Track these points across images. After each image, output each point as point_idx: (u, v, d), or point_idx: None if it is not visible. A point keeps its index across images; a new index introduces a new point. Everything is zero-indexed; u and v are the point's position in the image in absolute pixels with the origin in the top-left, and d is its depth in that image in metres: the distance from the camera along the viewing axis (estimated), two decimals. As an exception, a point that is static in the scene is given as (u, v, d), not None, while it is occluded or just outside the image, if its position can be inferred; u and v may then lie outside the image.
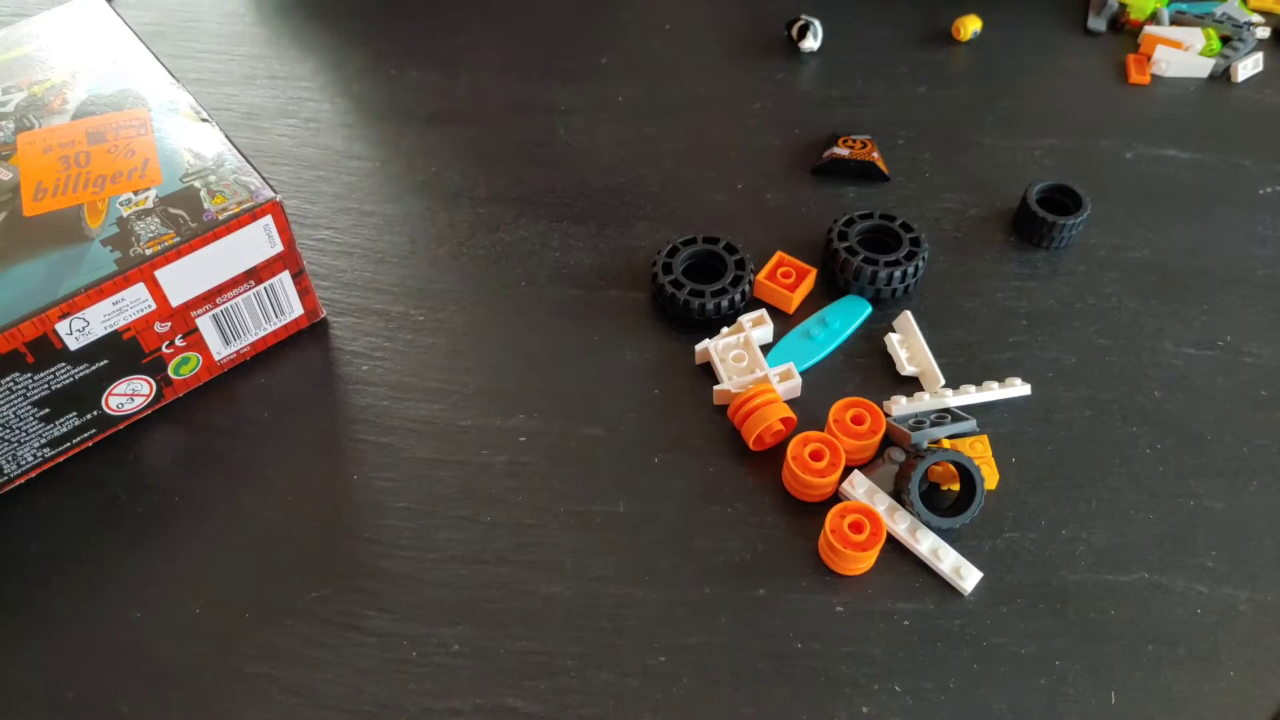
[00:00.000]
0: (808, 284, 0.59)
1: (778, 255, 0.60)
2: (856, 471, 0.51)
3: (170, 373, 0.53)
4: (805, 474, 0.50)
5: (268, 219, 0.51)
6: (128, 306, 0.48)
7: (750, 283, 0.58)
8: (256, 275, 0.53)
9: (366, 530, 0.50)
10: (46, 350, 0.47)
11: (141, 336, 0.50)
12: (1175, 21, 0.76)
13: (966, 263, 0.62)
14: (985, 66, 0.75)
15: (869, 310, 0.59)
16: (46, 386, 0.48)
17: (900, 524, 0.49)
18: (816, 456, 0.50)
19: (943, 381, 0.55)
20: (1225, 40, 0.75)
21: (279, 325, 0.56)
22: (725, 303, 0.57)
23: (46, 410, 0.49)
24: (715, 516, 0.51)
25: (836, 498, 0.51)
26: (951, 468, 0.50)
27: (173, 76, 0.56)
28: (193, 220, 0.49)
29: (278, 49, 0.75)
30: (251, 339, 0.56)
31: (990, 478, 0.51)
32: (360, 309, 0.59)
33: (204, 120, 0.54)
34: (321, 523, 0.50)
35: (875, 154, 0.66)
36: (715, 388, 0.54)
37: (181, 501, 0.51)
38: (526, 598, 0.48)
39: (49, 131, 0.53)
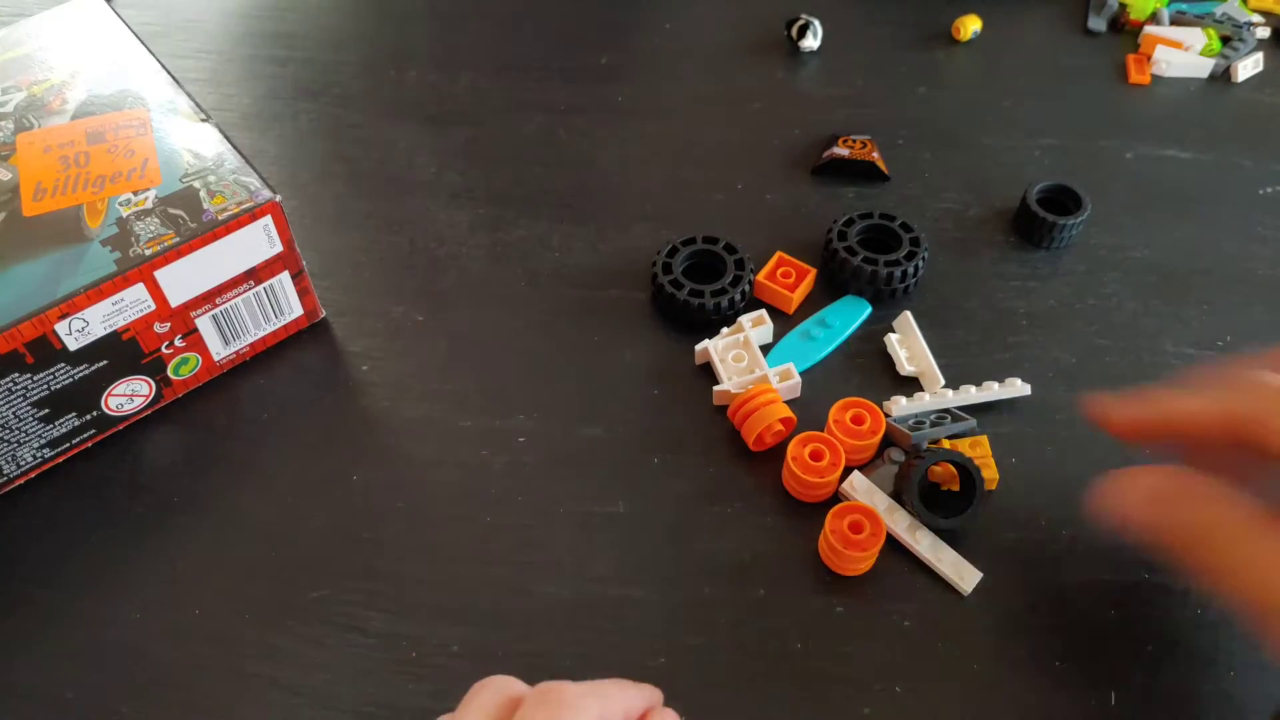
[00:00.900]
0: (807, 284, 0.59)
1: (777, 255, 0.60)
2: (856, 472, 0.51)
3: (170, 373, 0.53)
4: (805, 474, 0.50)
5: (267, 219, 0.51)
6: (127, 307, 0.48)
7: (750, 283, 0.58)
8: (256, 275, 0.53)
9: (366, 530, 0.50)
10: (46, 351, 0.47)
11: (141, 337, 0.50)
12: (1175, 21, 0.76)
13: (966, 263, 0.62)
14: (985, 66, 0.75)
15: (869, 310, 0.59)
16: (46, 387, 0.48)
17: (900, 524, 0.49)
18: (816, 457, 0.50)
19: (942, 382, 0.55)
20: (1225, 40, 0.75)
21: (279, 325, 0.56)
22: (725, 303, 0.57)
23: (46, 411, 0.49)
24: (715, 517, 0.51)
25: (836, 498, 0.51)
26: (951, 468, 0.50)
27: (172, 77, 0.56)
28: (192, 220, 0.49)
29: (277, 50, 0.75)
30: (251, 339, 0.56)
31: (990, 478, 0.51)
32: (359, 309, 0.59)
33: (204, 120, 0.54)
34: (321, 523, 0.50)
35: (875, 154, 0.66)
36: (715, 388, 0.54)
37: (181, 502, 0.51)
38: (526, 598, 0.48)
39: (48, 132, 0.53)
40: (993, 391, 0.54)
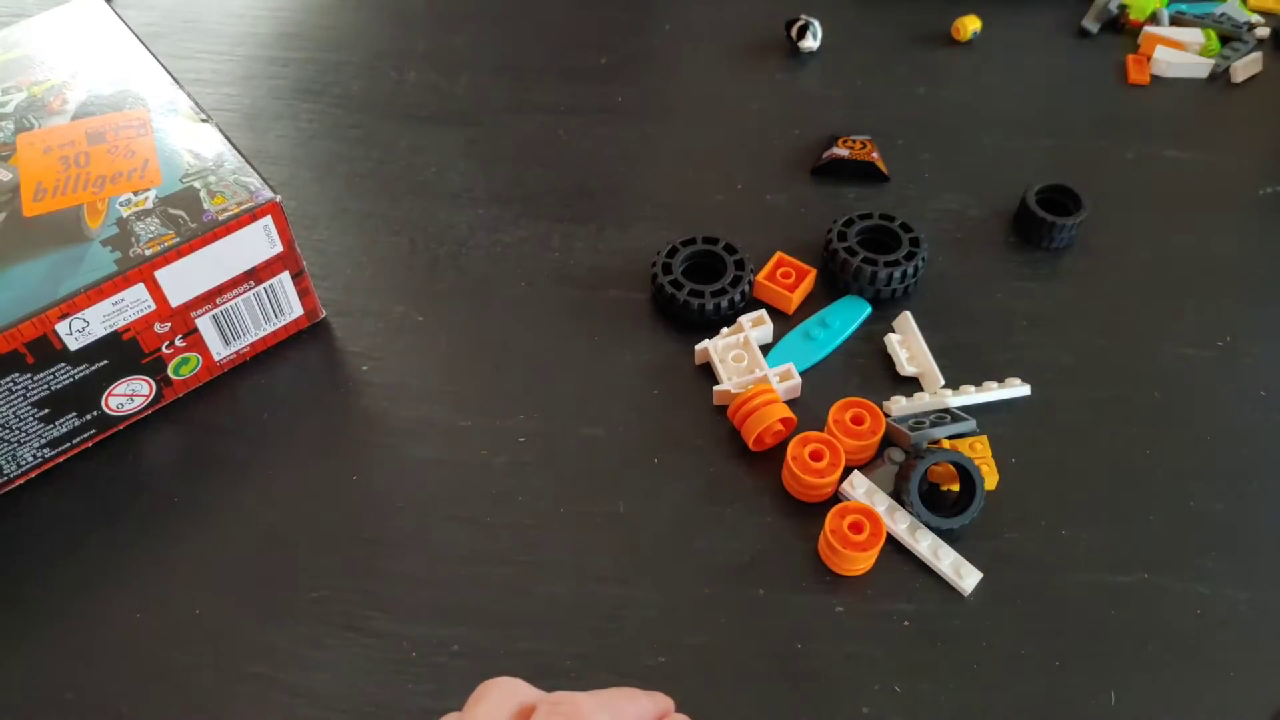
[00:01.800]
0: (807, 284, 0.59)
1: (777, 255, 0.60)
2: (856, 472, 0.51)
3: (170, 373, 0.53)
4: (805, 474, 0.50)
5: (267, 219, 0.51)
6: (127, 307, 0.48)
7: (750, 283, 0.58)
8: (256, 276, 0.53)
9: (366, 531, 0.50)
10: (46, 351, 0.47)
11: (141, 337, 0.50)
12: (1175, 22, 0.76)
13: (966, 263, 0.62)
14: (985, 66, 0.75)
15: (868, 310, 0.59)
16: (46, 387, 0.48)
17: (900, 524, 0.49)
18: (816, 457, 0.50)
19: (942, 382, 0.55)
20: (1225, 40, 0.75)
21: (279, 326, 0.56)
22: (725, 303, 0.57)
23: (46, 410, 0.49)
24: (715, 517, 0.51)
25: (836, 498, 0.51)
26: (951, 468, 0.50)
27: (172, 77, 0.56)
28: (192, 221, 0.49)
29: (277, 50, 0.75)
30: (251, 339, 0.56)
31: (990, 478, 0.51)
32: (360, 309, 0.59)
33: (204, 121, 0.54)
34: (321, 523, 0.50)
35: (875, 154, 0.66)
36: (715, 388, 0.54)
37: (181, 502, 0.51)
38: (526, 598, 0.48)
39: (49, 132, 0.53)
40: (992, 392, 0.54)
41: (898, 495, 0.50)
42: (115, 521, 0.50)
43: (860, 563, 0.48)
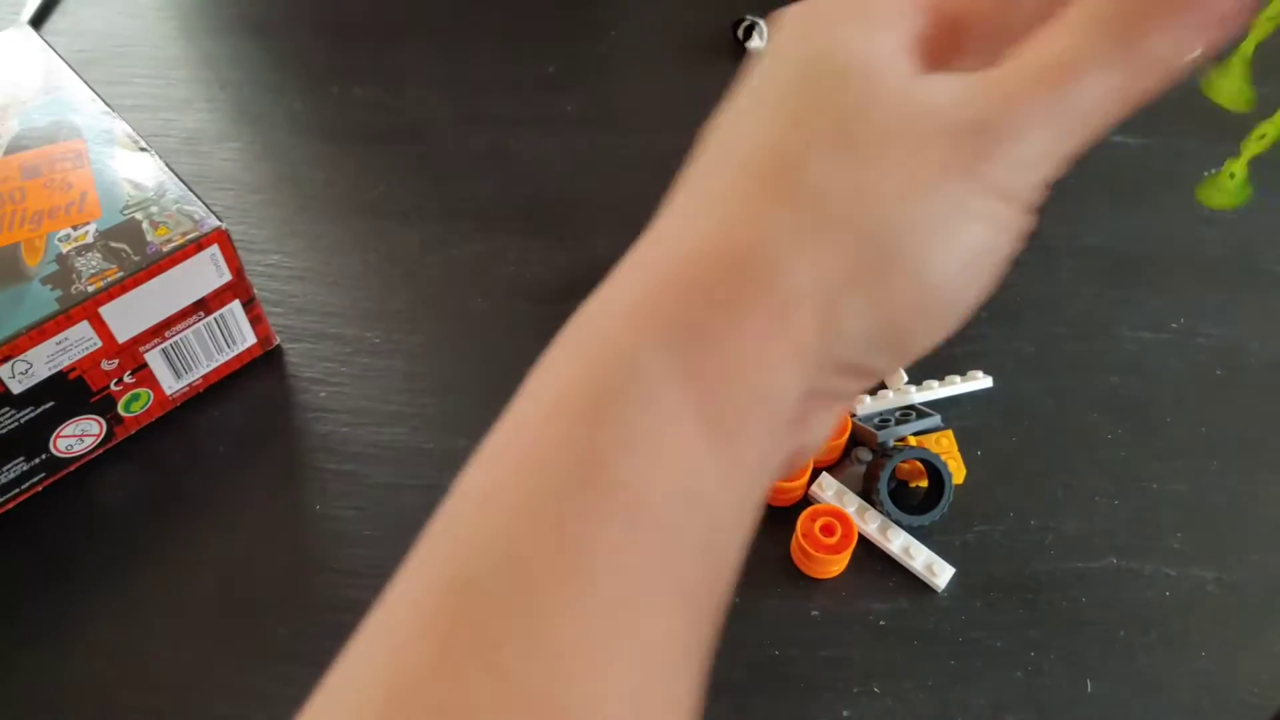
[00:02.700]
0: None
1: (735, 259, 0.59)
2: (825, 473, 0.51)
3: (120, 410, 0.52)
4: (774, 479, 0.49)
5: (214, 248, 0.50)
6: (72, 346, 0.47)
7: (709, 288, 0.58)
8: (205, 306, 0.51)
9: (333, 561, 0.49)
10: (-11, 395, 0.45)
11: (88, 375, 0.49)
12: (1113, 8, 0.77)
13: (922, 257, 0.62)
14: (930, 60, 0.75)
15: (828, 310, 0.58)
16: (-9, 432, 0.47)
17: (871, 524, 0.49)
18: (784, 461, 0.50)
19: (906, 378, 0.55)
20: (1163, 24, 0.76)
21: (231, 355, 0.55)
22: (685, 310, 0.56)
23: (-7, 456, 0.48)
24: (686, 527, 0.50)
25: (806, 500, 0.51)
26: (919, 464, 0.50)
27: (107, 105, 0.55)
28: (136, 254, 0.48)
29: (215, 71, 0.74)
30: (203, 371, 0.54)
31: (957, 472, 0.51)
32: (314, 334, 0.58)
33: (143, 149, 0.53)
34: (286, 556, 0.49)
35: (826, 152, 0.66)
36: (679, 396, 0.54)
37: (139, 543, 0.50)
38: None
39: (-19, 168, 0.51)
40: (955, 385, 0.54)
41: (867, 495, 0.50)
42: (71, 567, 0.49)
43: (833, 565, 0.48)
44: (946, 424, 0.53)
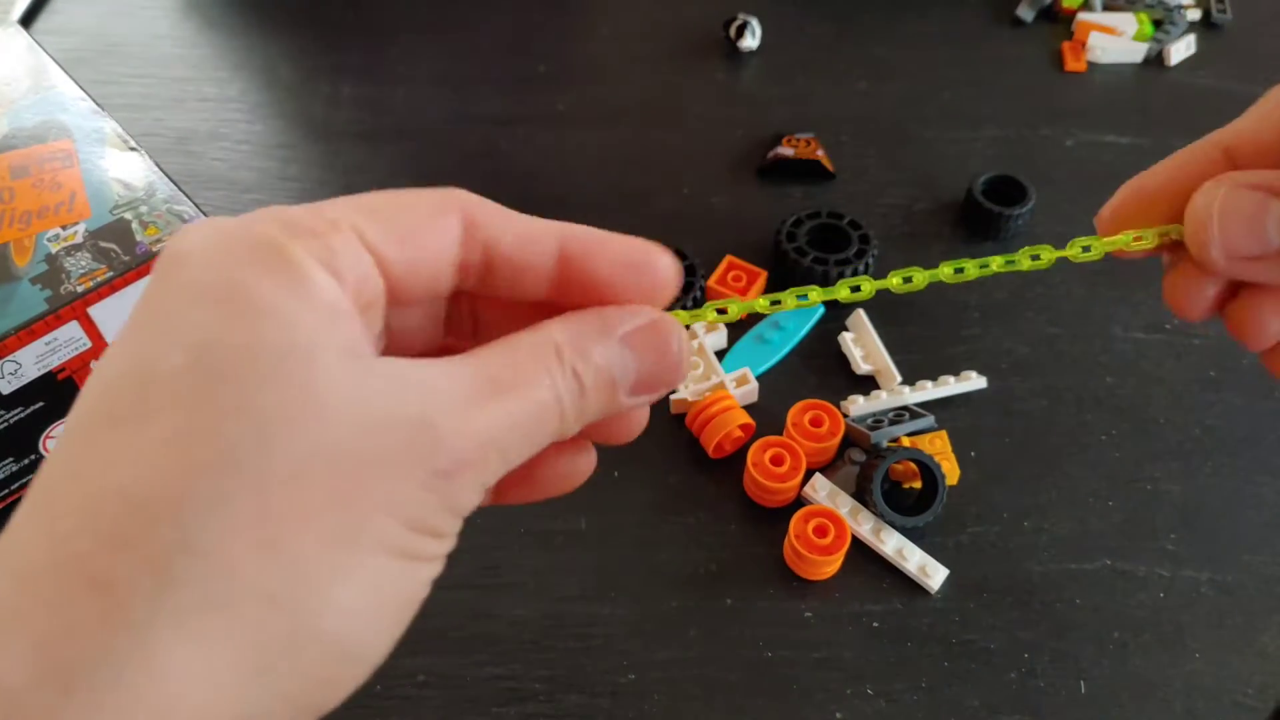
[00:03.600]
0: (759, 287, 0.59)
1: (727, 259, 0.59)
2: (818, 474, 0.51)
3: (110, 411, 0.51)
4: (767, 479, 0.49)
5: (204, 248, 0.49)
6: (61, 346, 0.47)
7: (701, 288, 0.58)
8: (195, 306, 0.51)
9: (323, 563, 0.49)
10: (-23, 396, 0.45)
11: (78, 375, 0.48)
12: (1108, 7, 0.77)
13: (916, 257, 0.62)
14: (923, 60, 0.75)
15: (821, 310, 0.58)
16: (-21, 433, 0.46)
17: (864, 525, 0.49)
18: (777, 461, 0.50)
19: (899, 379, 0.55)
20: (1157, 24, 0.76)
21: (222, 356, 0.55)
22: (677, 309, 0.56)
23: (-19, 458, 0.47)
24: (678, 528, 0.50)
25: (799, 502, 0.51)
26: (913, 465, 0.50)
27: (97, 104, 0.54)
28: (125, 254, 0.48)
29: (205, 70, 0.73)
30: (194, 371, 0.54)
31: (951, 473, 0.51)
32: (305, 334, 0.58)
33: (132, 149, 0.52)
34: (276, 557, 0.49)
35: (820, 152, 0.66)
36: (672, 396, 0.54)
37: (128, 544, 0.49)
38: (491, 622, 0.47)
39: (-31, 168, 0.51)
40: (949, 386, 0.54)
41: (860, 496, 0.50)
42: None
43: (827, 567, 0.48)
44: (940, 425, 0.53)
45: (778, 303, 0.28)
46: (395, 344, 0.23)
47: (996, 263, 0.29)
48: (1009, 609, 0.48)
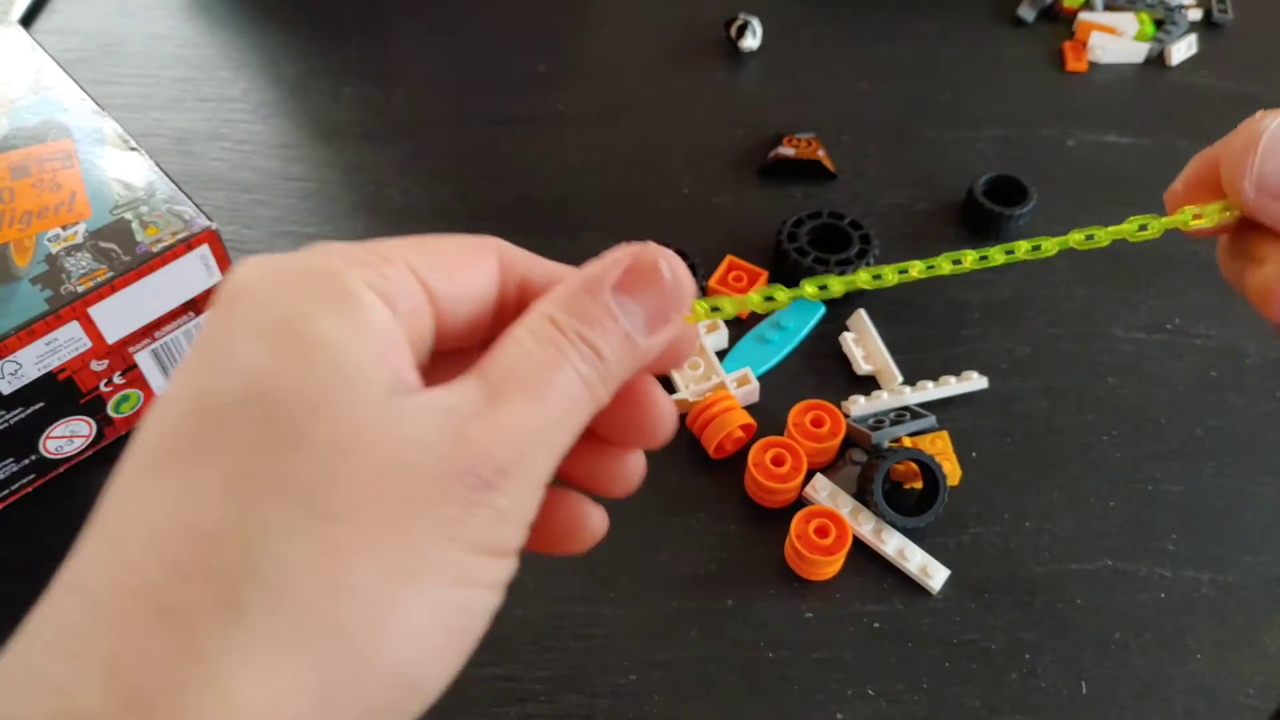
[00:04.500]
0: (759, 286, 0.59)
1: (728, 259, 0.59)
2: (819, 474, 0.51)
3: (110, 411, 0.51)
4: (768, 480, 0.49)
5: (204, 249, 0.49)
6: (61, 346, 0.47)
7: (702, 288, 0.57)
8: (196, 306, 0.51)
9: (323, 563, 0.49)
10: (-23, 396, 0.45)
11: (78, 376, 0.48)
12: (1109, 7, 0.77)
13: (916, 257, 0.62)
14: (924, 60, 0.75)
15: (822, 310, 0.58)
16: (-21, 434, 0.46)
17: (865, 525, 0.49)
18: (778, 461, 0.50)
19: (900, 379, 0.55)
20: (1158, 24, 0.76)
21: (222, 356, 0.55)
22: (678, 310, 0.56)
23: (-19, 458, 0.47)
24: (679, 528, 0.50)
25: (800, 502, 0.51)
26: (914, 466, 0.50)
27: (97, 104, 0.54)
28: (125, 254, 0.48)
29: (206, 70, 0.73)
30: (194, 371, 0.54)
31: (952, 474, 0.51)
32: (306, 334, 0.58)
33: (132, 149, 0.52)
34: (276, 558, 0.49)
35: (820, 152, 0.66)
36: (673, 397, 0.54)
37: (129, 544, 0.49)
38: (491, 622, 0.47)
39: (-31, 168, 0.51)
40: (950, 386, 0.54)
41: (861, 496, 0.50)
42: (59, 570, 0.49)
43: (827, 567, 0.48)
44: (941, 425, 0.53)
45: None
46: (439, 375, 0.24)
47: (1023, 248, 0.28)
48: (1010, 609, 0.47)
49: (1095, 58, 0.74)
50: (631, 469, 0.26)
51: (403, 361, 0.20)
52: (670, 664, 0.46)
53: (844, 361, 0.56)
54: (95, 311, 0.47)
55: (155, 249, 0.48)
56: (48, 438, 0.50)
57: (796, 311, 0.58)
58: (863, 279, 0.27)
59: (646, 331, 0.23)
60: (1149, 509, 0.51)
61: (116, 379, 0.50)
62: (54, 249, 0.48)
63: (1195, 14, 0.78)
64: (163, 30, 0.76)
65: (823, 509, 0.48)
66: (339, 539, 0.18)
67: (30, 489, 0.51)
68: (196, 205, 0.50)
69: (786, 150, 0.66)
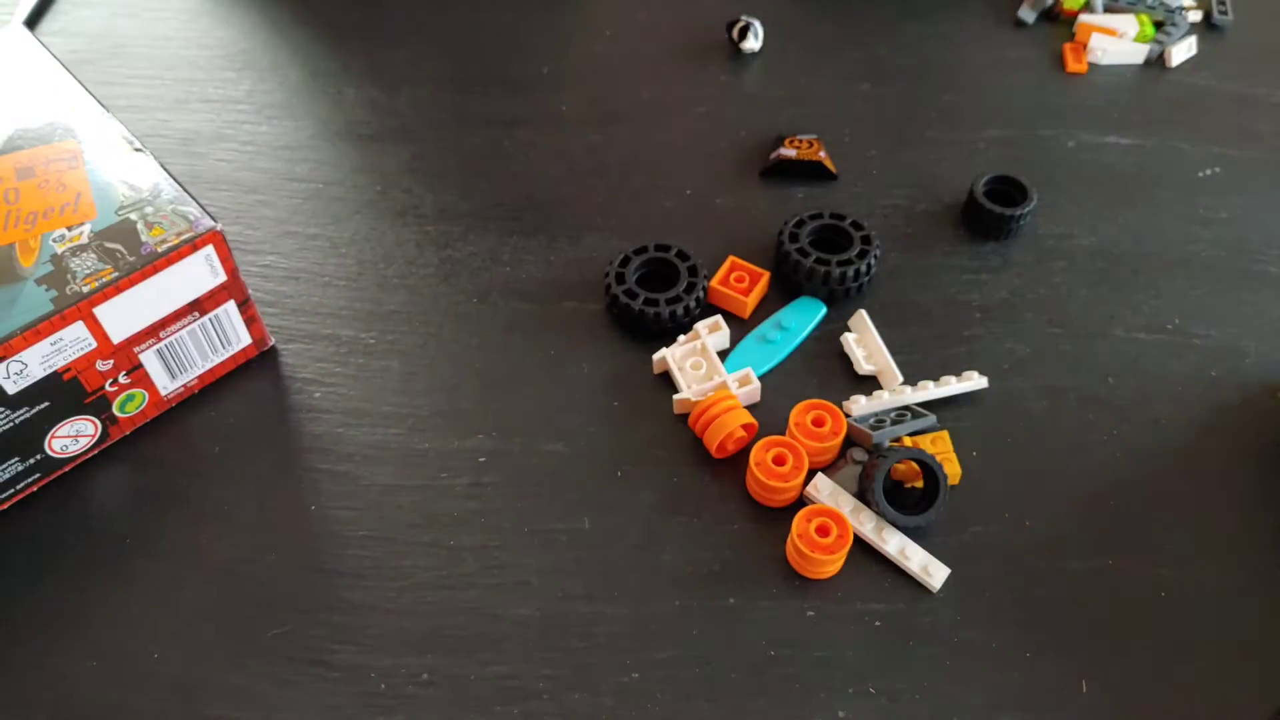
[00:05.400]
0: (761, 287, 0.59)
1: (730, 260, 0.60)
2: (820, 474, 0.51)
3: (115, 411, 0.52)
4: (769, 479, 0.49)
5: (209, 249, 0.49)
6: (67, 346, 0.47)
7: (704, 289, 0.58)
8: (200, 307, 0.51)
9: (327, 562, 0.49)
10: (-17, 396, 0.45)
11: (83, 376, 0.49)
12: (1109, 9, 0.77)
13: (918, 258, 0.62)
14: (924, 61, 0.75)
15: (824, 311, 0.59)
16: (-15, 433, 0.47)
17: (866, 524, 0.49)
18: (780, 461, 0.50)
19: (901, 379, 0.55)
20: (1158, 26, 0.76)
21: (226, 356, 0.55)
22: (680, 310, 0.56)
23: (-13, 457, 0.48)
24: (681, 527, 0.50)
25: (802, 501, 0.51)
26: (914, 465, 0.50)
27: (102, 105, 0.55)
28: (130, 254, 0.48)
29: (210, 71, 0.73)
30: (198, 372, 0.54)
31: (953, 473, 0.51)
32: (309, 335, 0.58)
33: (137, 150, 0.52)
34: (280, 557, 0.49)
35: (822, 153, 0.66)
36: (675, 397, 0.54)
37: (134, 543, 0.50)
38: (495, 621, 0.47)
39: (-25, 168, 0.51)
40: (951, 386, 0.54)
41: (862, 495, 0.50)
42: (65, 568, 0.49)
43: (829, 566, 0.48)
44: (942, 424, 0.53)
45: None
46: None
47: None
48: (1011, 608, 0.48)
49: (1095, 59, 0.75)
50: None
51: None
52: (673, 662, 0.46)
53: (845, 361, 0.57)
54: (100, 311, 0.47)
55: (160, 249, 0.48)
56: (53, 437, 0.50)
57: (798, 311, 0.58)
58: None
59: None
60: (1148, 509, 0.51)
61: (122, 379, 0.50)
62: (59, 249, 0.48)
63: (1195, 15, 0.78)
64: (167, 32, 0.77)
65: (824, 508, 0.49)
66: None
67: (35, 488, 0.51)
68: (201, 206, 0.50)
69: (788, 151, 0.66)
